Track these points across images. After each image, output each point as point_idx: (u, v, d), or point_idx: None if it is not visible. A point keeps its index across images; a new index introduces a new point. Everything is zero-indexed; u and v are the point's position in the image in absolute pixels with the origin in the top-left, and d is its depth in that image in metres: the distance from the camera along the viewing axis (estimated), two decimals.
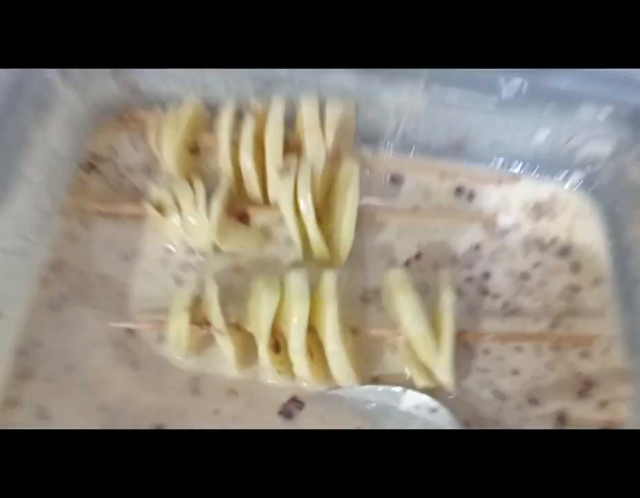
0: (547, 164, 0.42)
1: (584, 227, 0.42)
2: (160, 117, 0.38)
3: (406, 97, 0.38)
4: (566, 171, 0.42)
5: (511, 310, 0.39)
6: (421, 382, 0.33)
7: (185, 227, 0.35)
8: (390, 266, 0.38)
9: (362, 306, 0.37)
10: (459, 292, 0.38)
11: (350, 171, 0.37)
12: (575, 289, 0.40)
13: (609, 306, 0.39)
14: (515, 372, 0.37)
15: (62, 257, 0.37)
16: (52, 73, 0.34)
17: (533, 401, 0.36)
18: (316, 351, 0.33)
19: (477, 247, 0.40)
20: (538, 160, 0.42)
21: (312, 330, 0.32)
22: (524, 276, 0.40)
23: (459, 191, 0.42)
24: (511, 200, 0.42)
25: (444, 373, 0.33)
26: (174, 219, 0.35)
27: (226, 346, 0.33)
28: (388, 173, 0.42)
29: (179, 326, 0.33)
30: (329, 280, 0.33)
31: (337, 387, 0.34)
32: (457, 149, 0.42)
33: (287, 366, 0.33)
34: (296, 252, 0.37)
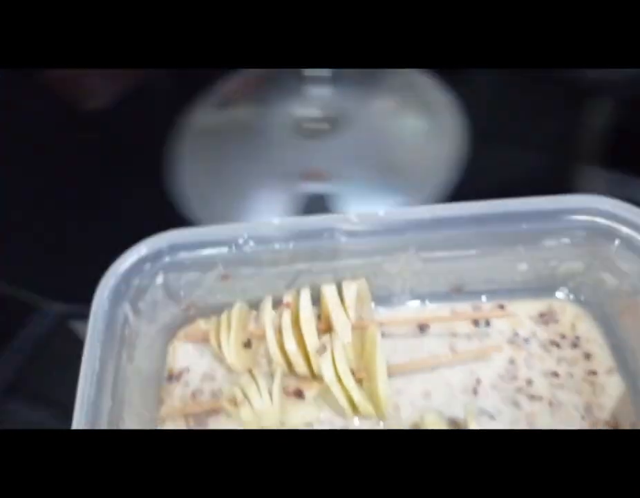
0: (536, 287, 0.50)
1: (584, 327, 0.49)
2: (216, 324, 0.48)
3: (403, 263, 0.47)
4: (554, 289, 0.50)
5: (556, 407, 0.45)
6: None
7: (255, 413, 0.43)
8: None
9: None
10: (517, 405, 0.45)
11: (373, 335, 0.45)
12: (594, 373, 0.46)
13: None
14: None
15: None
16: (127, 309, 0.43)
17: None
18: None
19: (511, 361, 0.47)
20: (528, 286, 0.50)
21: None
22: (555, 374, 0.46)
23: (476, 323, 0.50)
24: (520, 317, 0.49)
25: None
26: (246, 409, 0.43)
27: None
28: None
29: None
30: None
31: None
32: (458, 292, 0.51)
33: None
34: (347, 414, 0.45)
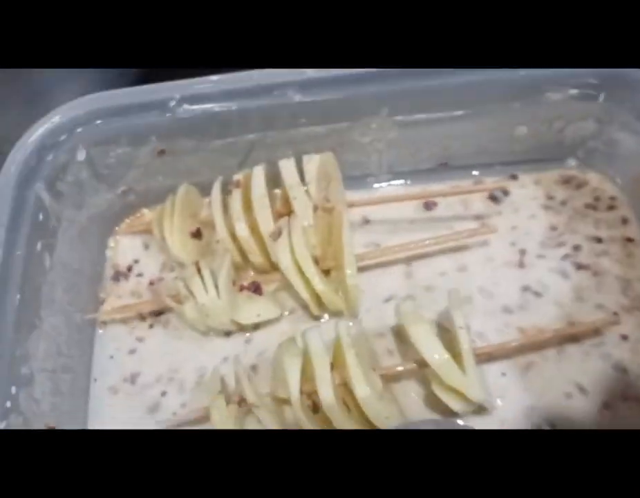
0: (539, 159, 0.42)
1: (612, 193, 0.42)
2: (159, 210, 0.41)
3: (376, 129, 0.40)
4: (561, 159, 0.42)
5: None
6: (457, 406, 0.33)
7: (202, 311, 0.37)
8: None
9: (382, 346, 0.38)
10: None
11: (340, 216, 0.38)
12: (631, 241, 0.40)
13: None
14: None
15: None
16: (45, 195, 0.37)
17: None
18: (352, 402, 0.34)
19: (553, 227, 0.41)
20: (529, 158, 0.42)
21: (344, 384, 0.33)
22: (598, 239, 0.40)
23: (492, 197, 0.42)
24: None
25: (475, 392, 0.33)
26: (190, 305, 0.37)
27: (265, 418, 0.34)
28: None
29: (219, 410, 0.34)
30: (342, 330, 0.34)
31: None
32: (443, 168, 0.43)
33: (327, 424, 0.33)
34: (312, 309, 0.38)
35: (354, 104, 0.37)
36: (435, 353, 0.33)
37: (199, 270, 0.38)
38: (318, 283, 0.36)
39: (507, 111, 0.38)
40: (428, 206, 0.42)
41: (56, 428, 0.35)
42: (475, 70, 0.35)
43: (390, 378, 0.36)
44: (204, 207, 0.42)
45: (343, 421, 0.33)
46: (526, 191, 0.42)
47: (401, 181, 0.44)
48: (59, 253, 0.37)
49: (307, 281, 0.37)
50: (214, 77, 0.36)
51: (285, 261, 0.36)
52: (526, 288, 0.39)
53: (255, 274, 0.41)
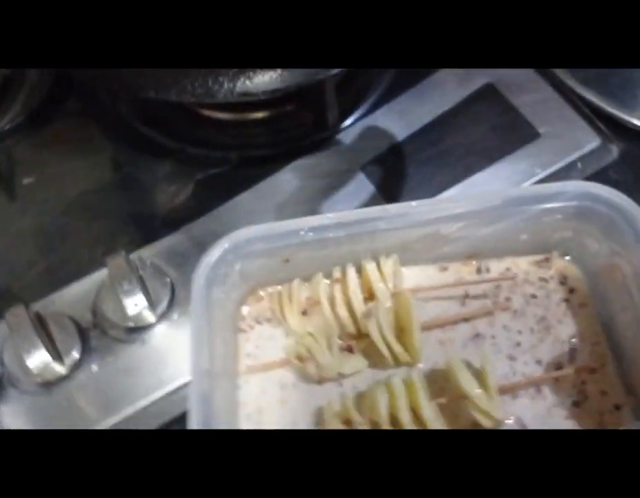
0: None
1: (573, 275, 0.61)
2: (277, 296, 0.60)
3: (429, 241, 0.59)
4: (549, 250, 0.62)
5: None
6: (487, 423, 0.52)
7: (319, 367, 0.56)
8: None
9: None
10: None
11: (407, 298, 0.57)
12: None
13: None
14: None
15: None
16: (217, 293, 0.55)
17: None
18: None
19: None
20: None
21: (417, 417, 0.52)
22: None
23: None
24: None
25: (499, 413, 0.52)
26: (311, 364, 0.56)
27: None
28: None
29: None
30: (415, 376, 0.53)
31: None
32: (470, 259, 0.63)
33: None
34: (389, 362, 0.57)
35: (417, 230, 0.57)
36: (473, 388, 0.52)
37: (315, 339, 0.57)
38: (397, 346, 0.55)
39: (515, 227, 0.58)
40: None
41: None
42: (495, 210, 0.55)
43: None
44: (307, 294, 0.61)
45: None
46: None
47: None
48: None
49: (388, 345, 0.56)
50: (330, 215, 0.55)
51: (375, 333, 0.55)
52: None
53: (346, 339, 0.60)
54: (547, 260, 0.61)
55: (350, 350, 0.58)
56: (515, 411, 0.55)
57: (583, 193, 0.54)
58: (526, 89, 0.69)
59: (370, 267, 0.58)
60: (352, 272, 0.58)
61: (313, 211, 0.66)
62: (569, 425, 0.54)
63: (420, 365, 0.58)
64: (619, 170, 0.64)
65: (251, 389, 0.58)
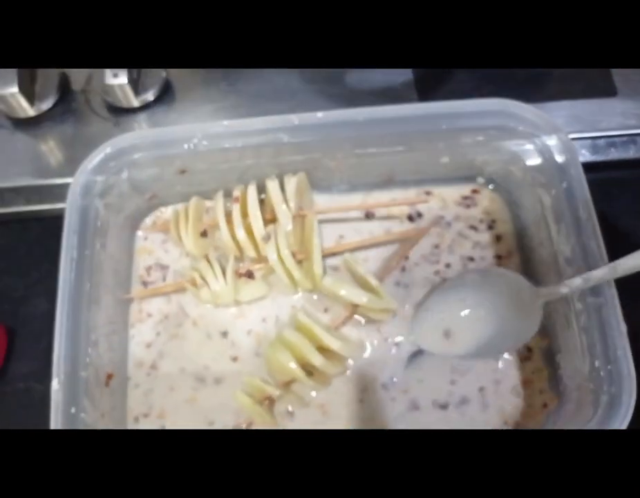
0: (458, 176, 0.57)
1: (497, 209, 0.57)
2: (174, 215, 0.55)
3: (340, 158, 0.54)
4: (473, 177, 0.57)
5: None
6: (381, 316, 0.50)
7: (214, 294, 0.51)
8: None
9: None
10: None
11: (311, 222, 0.53)
12: (499, 257, 0.55)
13: None
14: None
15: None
16: (100, 206, 0.50)
17: None
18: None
19: (436, 246, 0.55)
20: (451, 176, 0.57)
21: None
22: (470, 258, 0.55)
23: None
24: (447, 202, 0.57)
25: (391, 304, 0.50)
26: (205, 291, 0.51)
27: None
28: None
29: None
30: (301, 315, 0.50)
31: None
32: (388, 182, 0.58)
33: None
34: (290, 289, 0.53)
35: (326, 142, 0.51)
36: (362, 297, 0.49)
37: (209, 262, 0.53)
38: (296, 272, 0.51)
39: (434, 148, 0.53)
40: (368, 215, 0.57)
41: (114, 375, 0.49)
42: (409, 124, 0.50)
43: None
44: (209, 212, 0.56)
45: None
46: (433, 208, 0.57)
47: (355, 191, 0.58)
48: (108, 249, 0.50)
49: (288, 271, 0.51)
50: (226, 122, 0.49)
51: (273, 258, 0.50)
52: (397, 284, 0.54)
53: (248, 263, 0.55)
54: (474, 192, 0.57)
55: (249, 275, 0.54)
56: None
57: (504, 112, 0.49)
58: None
59: (272, 185, 0.53)
60: (252, 191, 0.52)
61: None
62: None
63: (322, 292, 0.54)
64: None
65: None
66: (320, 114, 0.50)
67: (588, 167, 0.48)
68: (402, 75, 0.63)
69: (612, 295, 0.43)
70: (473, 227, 0.56)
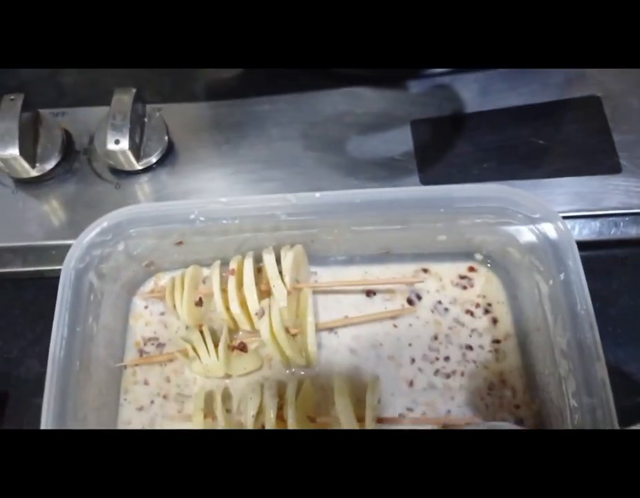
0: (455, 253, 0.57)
1: (493, 289, 0.56)
2: (170, 284, 0.55)
3: (337, 234, 0.54)
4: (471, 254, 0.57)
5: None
6: None
7: (205, 368, 0.51)
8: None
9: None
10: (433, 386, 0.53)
11: (306, 296, 0.53)
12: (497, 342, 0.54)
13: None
14: None
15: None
16: (94, 280, 0.50)
17: None
18: None
19: (435, 337, 0.55)
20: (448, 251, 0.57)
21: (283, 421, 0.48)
22: (469, 347, 0.54)
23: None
24: (443, 281, 0.57)
25: None
26: (197, 363, 0.51)
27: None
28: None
29: (197, 420, 0.49)
30: (290, 386, 0.49)
31: None
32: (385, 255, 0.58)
33: None
34: (283, 365, 0.53)
35: (323, 220, 0.50)
36: (347, 420, 0.47)
37: (202, 333, 0.52)
38: (288, 350, 0.51)
39: (432, 228, 0.53)
40: (369, 294, 0.57)
41: None
42: (407, 207, 0.50)
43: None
44: (205, 280, 0.56)
45: None
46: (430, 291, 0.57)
47: (353, 264, 0.58)
48: (102, 320, 0.50)
49: (280, 348, 0.51)
50: (224, 199, 0.49)
51: (265, 335, 0.50)
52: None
53: (242, 335, 0.55)
54: (471, 270, 0.57)
55: (242, 348, 0.54)
56: None
57: (502, 198, 0.49)
58: (629, 119, 0.62)
59: (268, 259, 0.53)
60: (249, 265, 0.52)
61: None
62: None
63: (316, 369, 0.54)
64: None
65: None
66: (317, 194, 0.49)
67: (589, 245, 0.47)
68: (403, 145, 0.62)
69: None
70: (469, 312, 0.55)
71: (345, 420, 0.47)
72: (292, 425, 0.46)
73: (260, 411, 0.48)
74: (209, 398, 0.51)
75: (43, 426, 0.43)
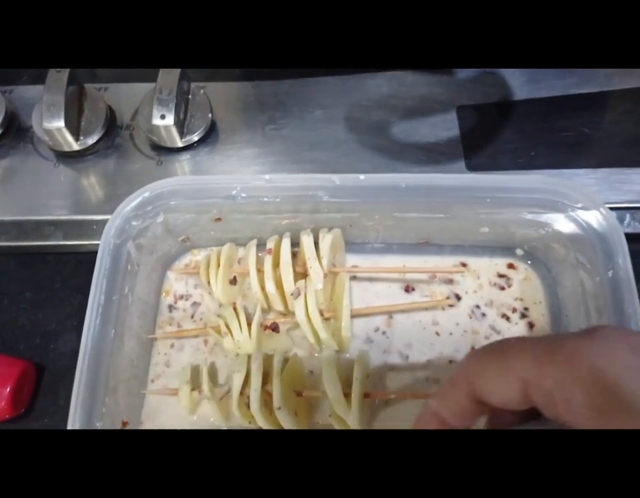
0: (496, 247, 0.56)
1: (531, 288, 0.54)
2: (205, 260, 0.54)
3: (377, 219, 0.53)
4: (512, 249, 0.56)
5: None
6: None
7: (236, 344, 0.51)
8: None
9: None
10: None
11: (342, 281, 0.52)
12: None
13: None
14: None
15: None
16: (132, 250, 0.50)
17: None
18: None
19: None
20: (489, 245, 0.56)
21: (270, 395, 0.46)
22: None
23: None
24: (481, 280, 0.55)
25: (353, 422, 0.45)
26: (228, 339, 0.50)
27: (211, 406, 0.48)
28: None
29: (183, 393, 0.48)
30: (276, 358, 0.47)
31: None
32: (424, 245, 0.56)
33: (253, 419, 0.46)
34: (315, 348, 0.52)
35: (365, 204, 0.49)
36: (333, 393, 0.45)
37: (235, 310, 0.52)
38: (322, 333, 0.50)
39: (475, 218, 0.51)
40: (407, 289, 0.55)
41: (128, 422, 0.48)
42: (451, 195, 0.49)
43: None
44: (240, 261, 0.55)
45: (262, 422, 0.45)
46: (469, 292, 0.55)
47: (390, 253, 0.57)
48: (137, 291, 0.50)
49: (314, 330, 0.50)
50: (267, 176, 0.48)
51: (300, 316, 0.49)
52: None
53: (275, 316, 0.54)
54: (510, 267, 0.55)
55: (274, 329, 0.53)
56: None
57: (551, 190, 0.48)
58: None
59: (306, 240, 0.52)
60: (286, 245, 0.51)
61: None
62: None
63: (347, 355, 0.53)
64: None
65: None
66: (362, 176, 0.48)
67: (637, 238, 0.46)
68: (448, 131, 0.61)
69: None
70: (505, 317, 0.54)
71: (331, 391, 0.45)
72: (276, 398, 0.45)
73: (245, 384, 0.47)
74: (194, 372, 0.51)
75: (75, 390, 0.42)
